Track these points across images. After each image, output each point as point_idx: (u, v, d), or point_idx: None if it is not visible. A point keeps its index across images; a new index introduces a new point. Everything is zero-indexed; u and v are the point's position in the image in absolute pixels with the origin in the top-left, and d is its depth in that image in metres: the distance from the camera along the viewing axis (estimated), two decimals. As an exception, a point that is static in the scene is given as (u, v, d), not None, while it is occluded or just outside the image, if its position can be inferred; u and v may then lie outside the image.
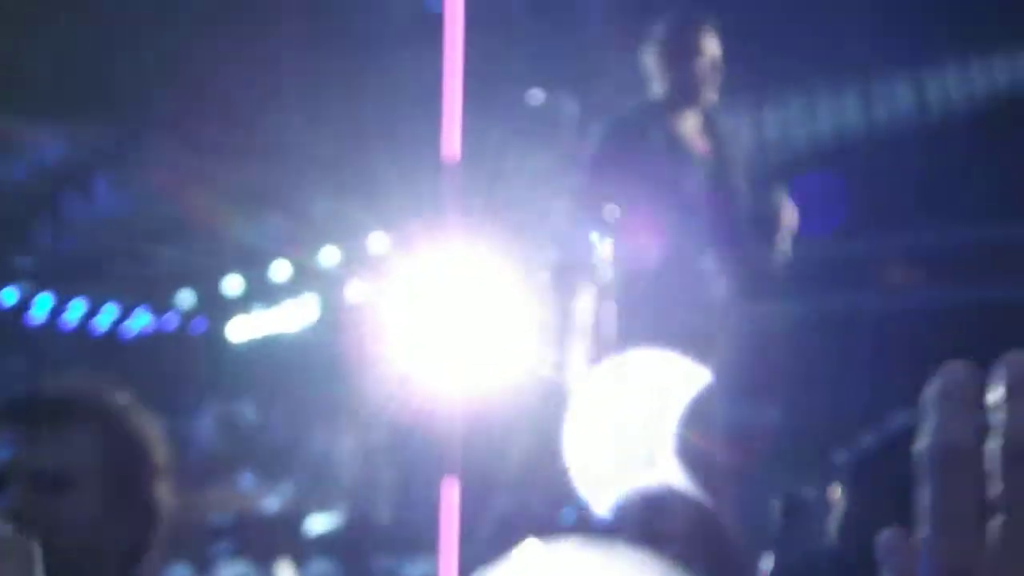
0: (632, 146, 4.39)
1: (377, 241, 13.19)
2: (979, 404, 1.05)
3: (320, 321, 16.07)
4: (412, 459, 15.06)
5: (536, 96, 17.18)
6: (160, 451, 3.10)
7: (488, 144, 16.40)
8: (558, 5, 17.43)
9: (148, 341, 18.21)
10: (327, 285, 14.53)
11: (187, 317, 18.31)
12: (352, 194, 13.08)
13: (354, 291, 14.14)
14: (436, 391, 12.58)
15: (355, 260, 13.55)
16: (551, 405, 15.18)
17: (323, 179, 14.28)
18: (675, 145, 4.32)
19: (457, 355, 12.73)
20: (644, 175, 4.29)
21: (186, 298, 17.78)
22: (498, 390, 14.16)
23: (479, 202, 16.11)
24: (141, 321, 18.61)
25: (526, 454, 15.03)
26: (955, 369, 1.09)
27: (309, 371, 15.57)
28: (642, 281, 4.34)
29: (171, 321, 18.49)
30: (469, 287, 13.40)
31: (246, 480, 14.77)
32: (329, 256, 13.90)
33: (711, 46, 4.50)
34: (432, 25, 15.46)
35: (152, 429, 3.11)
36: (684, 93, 4.53)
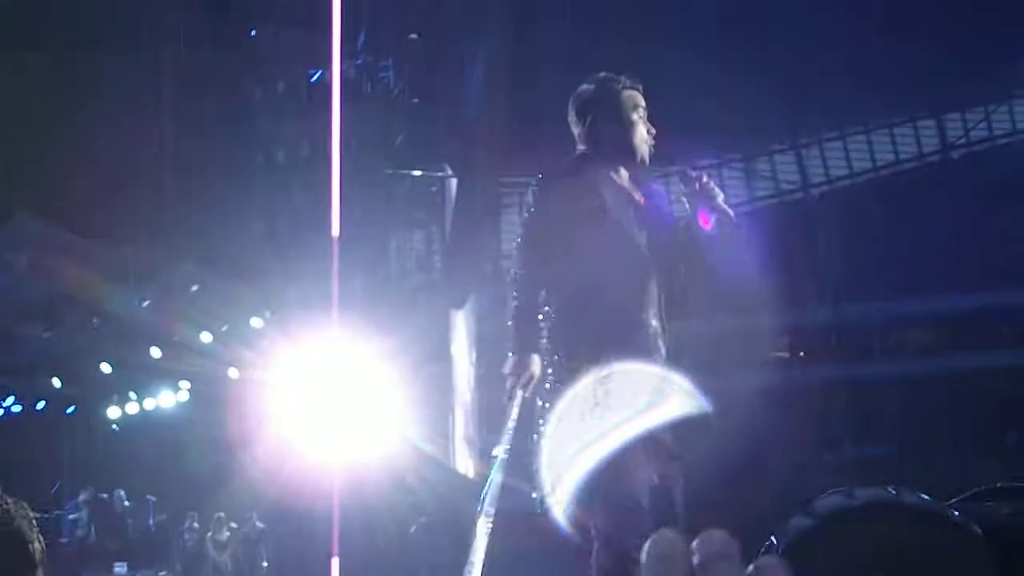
0: (570, 189, 4.40)
1: (256, 320, 13.02)
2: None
3: (195, 402, 15.79)
4: (290, 540, 14.85)
5: (416, 171, 17.27)
6: (33, 541, 2.97)
7: (371, 221, 16.33)
8: (439, 85, 17.52)
9: (17, 425, 17.74)
10: (204, 365, 14.30)
11: (59, 400, 17.88)
12: (230, 273, 12.91)
13: (231, 371, 13.94)
14: (316, 471, 12.37)
15: (232, 340, 13.36)
16: (431, 480, 15.05)
17: (200, 259, 14.07)
18: (611, 189, 4.33)
19: (336, 434, 12.56)
20: (582, 212, 4.33)
21: (57, 381, 17.34)
22: (377, 468, 13.99)
23: (361, 278, 15.99)
24: (9, 405, 18.14)
25: (406, 532, 14.91)
26: (670, 539, 1.16)
27: (185, 452, 15.28)
28: (587, 307, 4.37)
29: (41, 405, 18.04)
30: (348, 365, 13.23)
31: (120, 569, 14.42)
32: (205, 336, 13.68)
33: (640, 104, 4.52)
34: (316, 104, 15.32)
35: (24, 519, 2.97)
36: (615, 148, 4.52)
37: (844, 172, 27.95)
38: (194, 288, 12.70)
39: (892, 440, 22.94)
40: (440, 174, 17.80)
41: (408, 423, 16.28)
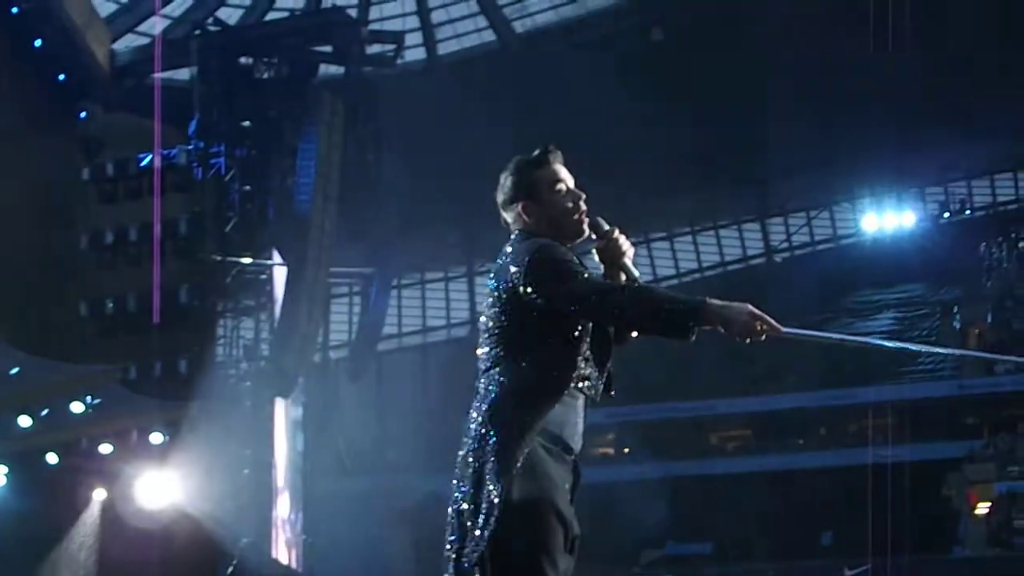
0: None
1: (77, 405, 12.75)
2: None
3: (12, 487, 15.35)
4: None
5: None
6: None
7: (197, 307, 16.14)
8: (271, 173, 17.49)
9: None
10: (22, 451, 13.93)
11: None
12: (53, 355, 12.65)
13: (52, 456, 13.60)
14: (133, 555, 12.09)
15: (52, 424, 13.05)
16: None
17: (16, 340, 13.77)
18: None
19: (153, 524, 12.30)
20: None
21: None
22: (197, 562, 13.72)
23: (186, 364, 15.76)
24: None
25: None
26: None
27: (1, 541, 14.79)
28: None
29: None
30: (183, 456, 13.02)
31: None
32: (24, 421, 13.33)
33: (557, 178, 4.41)
34: (145, 188, 15.01)
35: None
36: (551, 231, 4.37)
37: (671, 272, 28.51)
38: (13, 371, 12.37)
39: (710, 537, 23.31)
40: (270, 262, 17.70)
41: (227, 512, 16.10)
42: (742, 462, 23.36)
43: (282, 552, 17.52)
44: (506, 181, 4.32)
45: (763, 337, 4.04)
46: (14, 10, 14.48)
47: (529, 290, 4.19)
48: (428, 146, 19.88)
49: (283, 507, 17.81)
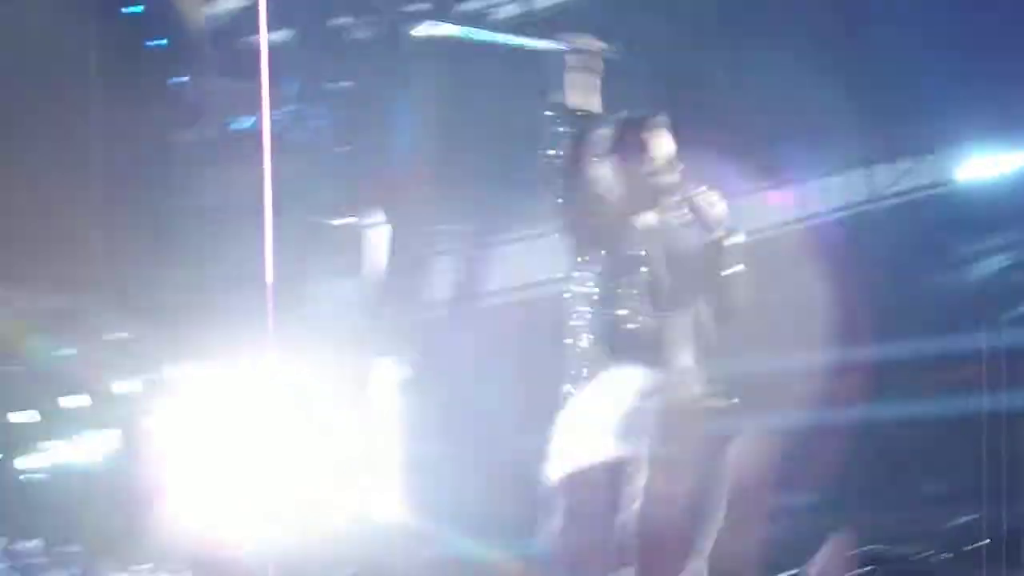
0: None
1: (183, 370, 12.84)
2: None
3: (120, 453, 15.53)
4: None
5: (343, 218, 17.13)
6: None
7: (299, 267, 16.21)
8: (364, 131, 17.44)
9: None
10: (128, 415, 14.09)
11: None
12: (157, 321, 12.73)
13: (157, 421, 13.72)
14: (244, 531, 12.18)
15: (159, 389, 13.17)
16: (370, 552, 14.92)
17: (124, 306, 13.88)
18: None
19: (268, 492, 12.36)
20: None
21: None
22: (312, 530, 13.83)
23: (293, 322, 15.86)
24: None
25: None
26: None
27: (107, 505, 15.02)
28: None
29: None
30: (281, 417, 13.05)
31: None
32: (130, 385, 13.47)
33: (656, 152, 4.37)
34: (243, 149, 15.20)
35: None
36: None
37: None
38: (121, 335, 12.49)
39: (816, 488, 23.12)
40: (370, 221, 17.66)
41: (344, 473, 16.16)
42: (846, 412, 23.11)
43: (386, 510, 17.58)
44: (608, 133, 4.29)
45: None
46: (111, -23, 14.54)
47: None
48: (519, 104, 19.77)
49: (384, 467, 17.87)
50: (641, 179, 4.21)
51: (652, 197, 4.21)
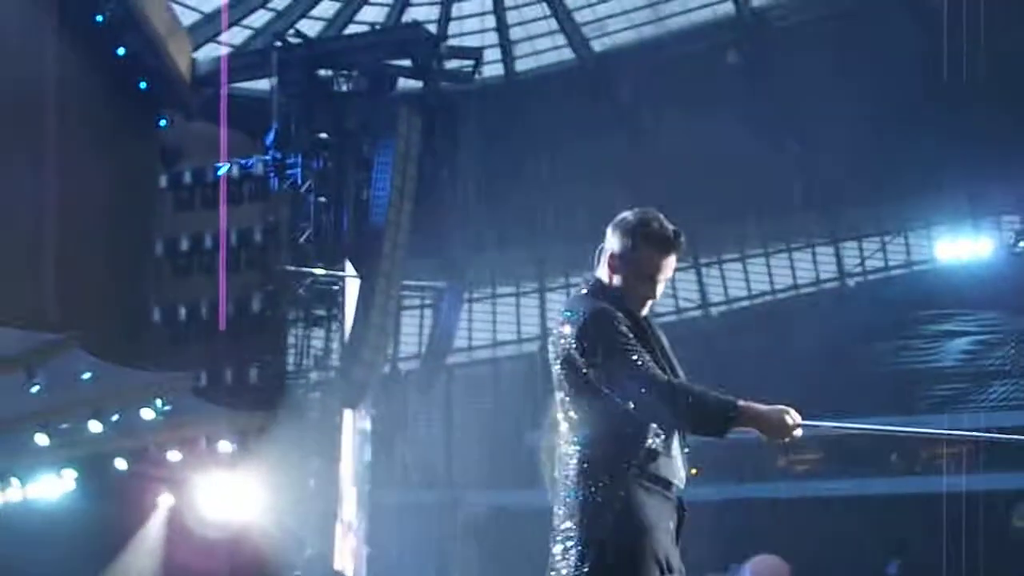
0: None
1: (147, 411, 12.80)
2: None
3: (81, 492, 15.46)
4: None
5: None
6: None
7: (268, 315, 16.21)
8: (348, 185, 17.58)
9: None
10: (92, 455, 14.00)
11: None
12: (123, 362, 12.70)
13: (121, 462, 13.67)
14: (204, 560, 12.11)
15: (122, 430, 13.12)
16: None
17: (90, 347, 13.84)
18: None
19: (242, 532, 12.33)
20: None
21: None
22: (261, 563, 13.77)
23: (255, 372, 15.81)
24: None
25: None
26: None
27: (69, 544, 14.90)
28: None
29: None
30: (250, 458, 13.04)
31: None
32: (94, 426, 13.39)
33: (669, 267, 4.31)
34: (219, 196, 15.13)
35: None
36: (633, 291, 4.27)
37: (743, 293, 28.24)
38: (86, 376, 12.41)
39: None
40: (342, 273, 17.76)
41: (292, 521, 16.14)
42: (810, 486, 23.13)
43: (346, 563, 17.57)
44: (624, 233, 4.15)
45: (798, 435, 4.12)
46: (98, 18, 14.61)
47: (579, 355, 4.14)
48: (505, 161, 19.95)
49: (348, 518, 17.86)
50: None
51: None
